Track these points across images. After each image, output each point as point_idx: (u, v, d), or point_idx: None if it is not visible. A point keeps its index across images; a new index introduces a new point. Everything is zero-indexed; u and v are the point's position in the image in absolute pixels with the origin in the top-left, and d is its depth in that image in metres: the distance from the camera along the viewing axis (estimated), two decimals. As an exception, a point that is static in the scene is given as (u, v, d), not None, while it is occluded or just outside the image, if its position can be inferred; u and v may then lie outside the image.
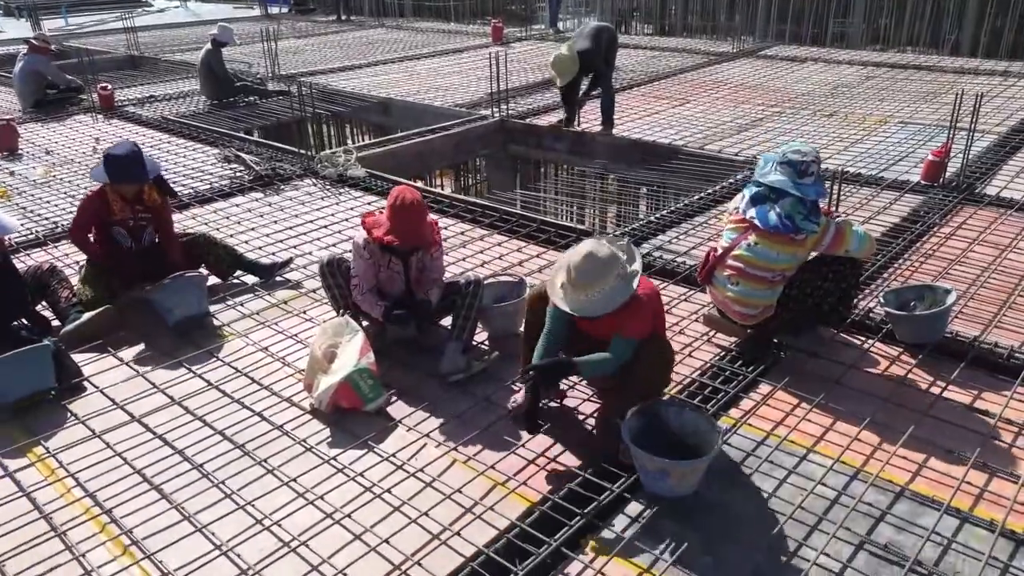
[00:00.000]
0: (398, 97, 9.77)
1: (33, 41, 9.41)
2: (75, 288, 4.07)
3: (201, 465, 2.97)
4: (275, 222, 5.58)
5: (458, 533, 2.58)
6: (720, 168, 6.58)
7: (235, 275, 4.58)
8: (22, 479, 2.93)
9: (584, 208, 8.23)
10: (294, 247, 5.10)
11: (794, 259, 3.33)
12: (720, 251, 3.48)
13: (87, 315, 3.89)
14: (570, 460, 2.95)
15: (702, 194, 5.96)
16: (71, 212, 5.73)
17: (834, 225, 3.30)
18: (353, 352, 3.31)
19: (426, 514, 2.67)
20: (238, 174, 6.64)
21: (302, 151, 7.14)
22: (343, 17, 18.96)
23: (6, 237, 3.99)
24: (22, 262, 4.61)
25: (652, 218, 5.59)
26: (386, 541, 2.55)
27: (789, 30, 15.02)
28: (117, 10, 21.04)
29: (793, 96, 9.21)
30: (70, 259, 4.88)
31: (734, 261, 3.40)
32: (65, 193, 6.26)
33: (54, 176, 6.77)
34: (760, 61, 11.75)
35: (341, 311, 3.67)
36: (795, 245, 3.29)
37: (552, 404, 3.28)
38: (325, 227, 5.46)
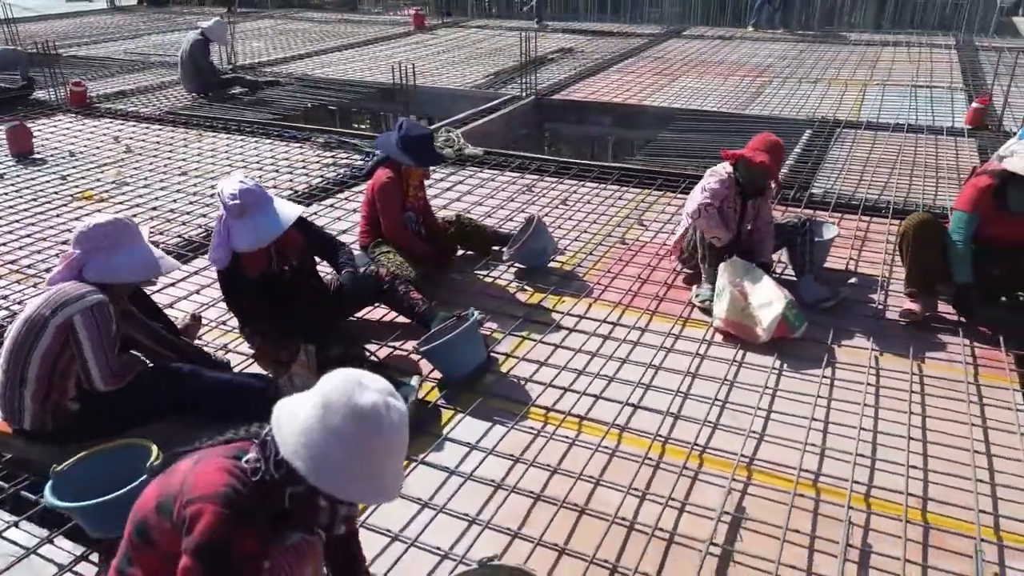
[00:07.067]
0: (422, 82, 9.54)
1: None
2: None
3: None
4: (459, 202, 5.47)
5: None
6: (786, 126, 7.31)
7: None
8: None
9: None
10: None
11: None
12: None
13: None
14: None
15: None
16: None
17: None
18: (772, 286, 3.55)
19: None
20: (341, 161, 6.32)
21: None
22: (235, 10, 17.61)
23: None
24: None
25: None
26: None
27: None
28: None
29: (762, 68, 10.22)
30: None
31: None
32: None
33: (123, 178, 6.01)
34: (693, 41, 12.76)
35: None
36: None
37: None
38: (502, 206, 5.44)
